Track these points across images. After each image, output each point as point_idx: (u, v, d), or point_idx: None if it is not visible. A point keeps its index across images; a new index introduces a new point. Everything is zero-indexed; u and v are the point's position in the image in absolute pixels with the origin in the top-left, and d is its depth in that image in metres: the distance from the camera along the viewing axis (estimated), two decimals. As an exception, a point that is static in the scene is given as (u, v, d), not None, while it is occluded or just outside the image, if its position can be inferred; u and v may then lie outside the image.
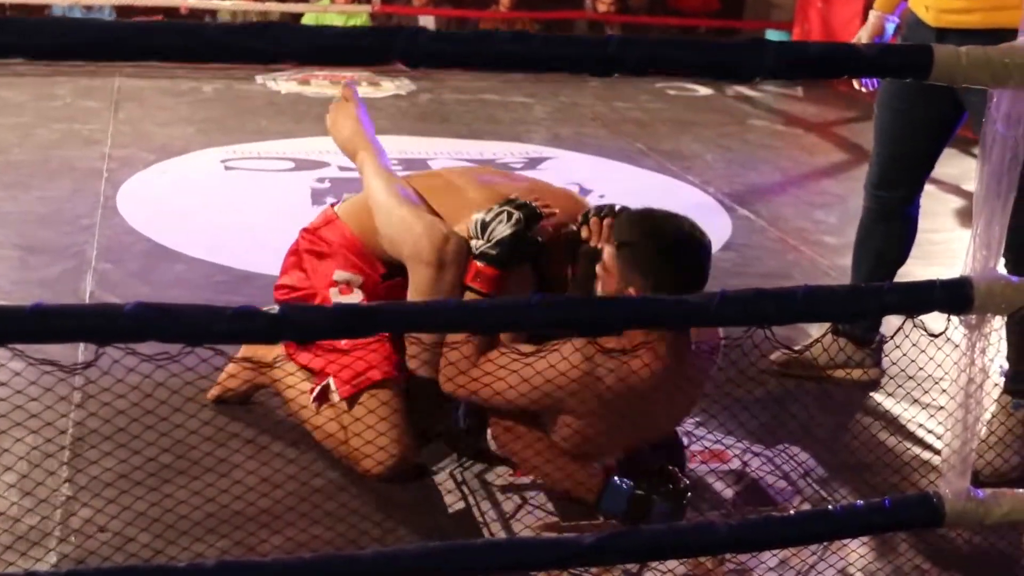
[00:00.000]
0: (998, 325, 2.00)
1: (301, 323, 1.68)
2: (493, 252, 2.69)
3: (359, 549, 2.30)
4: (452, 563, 1.85)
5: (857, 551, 2.51)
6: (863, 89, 3.47)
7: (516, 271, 2.74)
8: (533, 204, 2.75)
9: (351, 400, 2.74)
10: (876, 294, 1.92)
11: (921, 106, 3.25)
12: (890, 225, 3.46)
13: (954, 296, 1.95)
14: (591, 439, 2.62)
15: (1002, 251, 2.00)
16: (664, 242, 2.53)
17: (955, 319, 1.99)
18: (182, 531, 2.43)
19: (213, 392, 3.04)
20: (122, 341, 1.62)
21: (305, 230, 3.07)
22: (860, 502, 2.00)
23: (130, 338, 1.62)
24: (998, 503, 2.06)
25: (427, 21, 9.17)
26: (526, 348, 2.62)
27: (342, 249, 2.94)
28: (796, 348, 3.52)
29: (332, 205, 3.15)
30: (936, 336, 1.97)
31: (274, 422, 2.95)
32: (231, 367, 2.99)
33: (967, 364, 2.01)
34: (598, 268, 2.64)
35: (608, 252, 2.60)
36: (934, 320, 1.98)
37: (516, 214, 2.71)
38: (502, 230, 2.70)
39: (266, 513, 2.54)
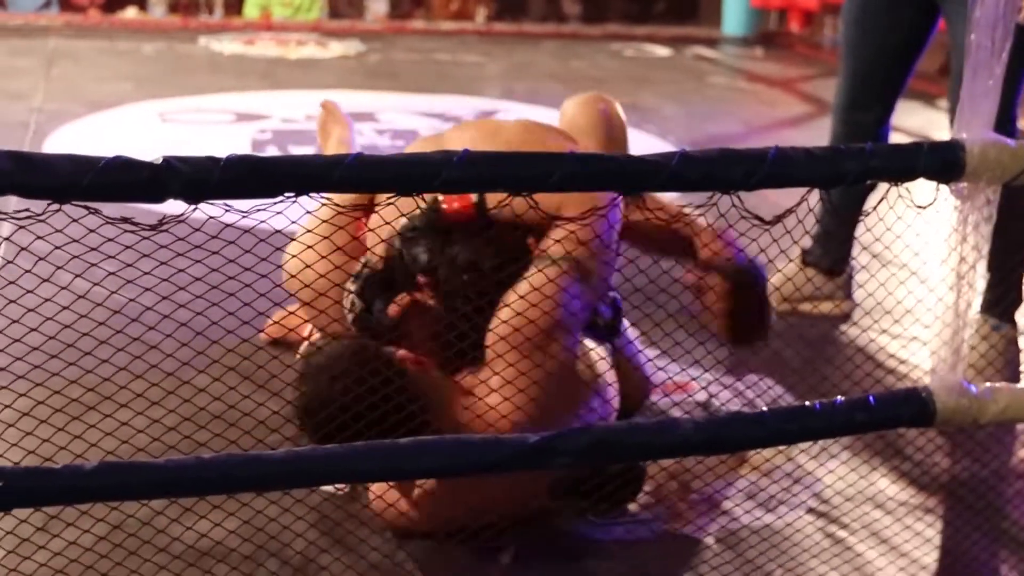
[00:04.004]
0: (993, 196, 1.77)
1: (190, 177, 1.42)
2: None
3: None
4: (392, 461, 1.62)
5: (835, 471, 2.30)
6: None
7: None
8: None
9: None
10: (857, 157, 1.68)
11: (892, 12, 3.02)
12: None
13: (943, 161, 1.72)
14: None
15: (996, 111, 1.77)
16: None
17: (944, 189, 1.76)
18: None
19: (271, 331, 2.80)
20: (-29, 194, 1.37)
21: None
22: (840, 398, 1.77)
23: (-18, 191, 1.37)
24: (994, 399, 1.83)
25: (379, 3, 8.85)
26: None
27: None
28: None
29: None
30: (923, 208, 1.74)
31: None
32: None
33: (958, 241, 1.78)
34: None
35: None
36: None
37: (350, 297, 2.11)
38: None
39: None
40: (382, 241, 2.11)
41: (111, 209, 1.42)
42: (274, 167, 1.46)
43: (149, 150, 1.47)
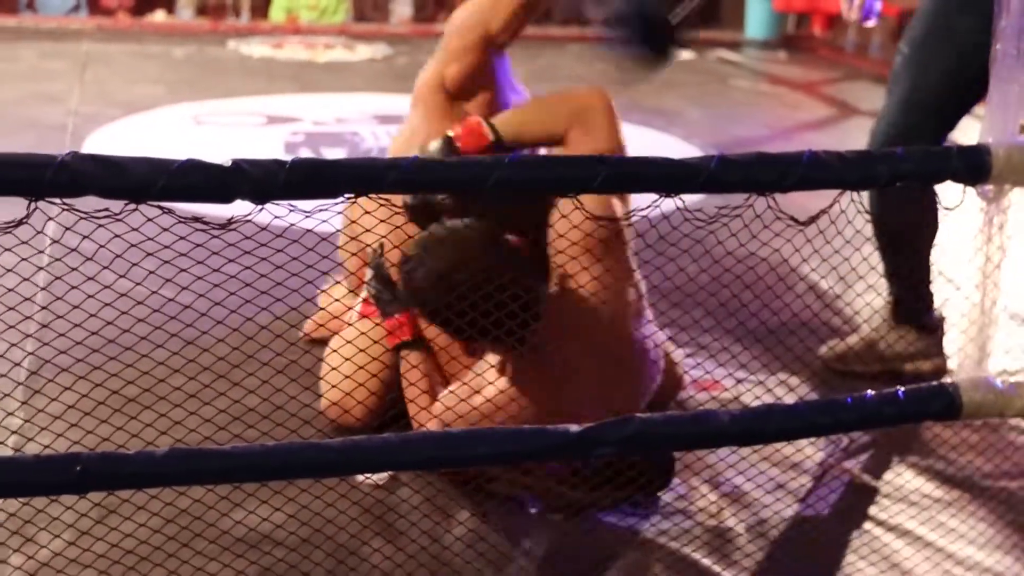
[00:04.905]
0: (1018, 199, 1.84)
1: (258, 179, 1.51)
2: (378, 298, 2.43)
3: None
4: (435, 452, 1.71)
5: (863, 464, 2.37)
6: (853, 14, 3.15)
7: None
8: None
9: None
10: (888, 160, 1.76)
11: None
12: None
13: (971, 164, 1.80)
14: None
15: (1021, 118, 1.84)
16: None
17: (970, 191, 1.83)
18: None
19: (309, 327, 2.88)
20: (56, 195, 1.45)
21: None
22: (870, 392, 1.84)
23: (65, 192, 1.45)
24: (1019, 394, 1.90)
25: (404, 6, 8.94)
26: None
27: None
28: (851, 340, 2.98)
29: None
30: (951, 210, 1.81)
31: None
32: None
33: (984, 241, 1.85)
34: None
35: None
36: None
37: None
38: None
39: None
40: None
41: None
42: (336, 170, 1.54)
43: (186, 152, 1.55)
